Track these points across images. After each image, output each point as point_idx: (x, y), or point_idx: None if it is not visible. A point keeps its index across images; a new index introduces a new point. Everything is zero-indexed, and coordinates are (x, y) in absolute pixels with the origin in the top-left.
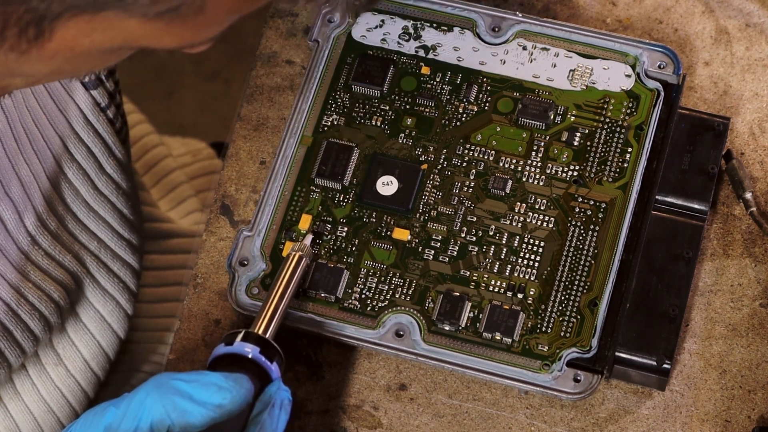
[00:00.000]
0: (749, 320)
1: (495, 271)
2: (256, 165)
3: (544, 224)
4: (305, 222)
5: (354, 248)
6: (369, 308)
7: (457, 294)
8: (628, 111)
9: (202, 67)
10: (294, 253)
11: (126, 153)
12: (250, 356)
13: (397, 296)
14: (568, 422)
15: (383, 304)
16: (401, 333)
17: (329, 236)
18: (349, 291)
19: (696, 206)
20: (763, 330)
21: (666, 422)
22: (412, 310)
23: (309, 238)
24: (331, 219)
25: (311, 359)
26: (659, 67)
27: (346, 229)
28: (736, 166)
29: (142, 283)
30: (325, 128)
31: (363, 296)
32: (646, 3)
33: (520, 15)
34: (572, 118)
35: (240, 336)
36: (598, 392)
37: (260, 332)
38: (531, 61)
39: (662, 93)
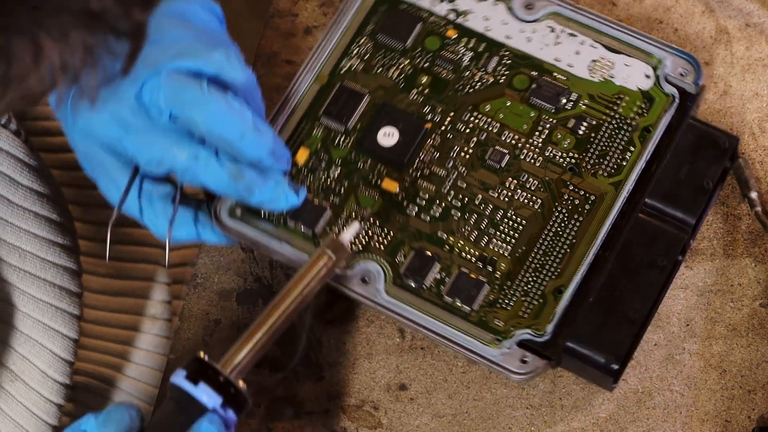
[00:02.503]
0: (749, 320)
1: (471, 239)
2: None
3: (531, 203)
4: (302, 155)
5: (342, 189)
6: None
7: (429, 254)
8: (640, 111)
9: None
10: (323, 252)
11: (38, 159)
12: (208, 407)
13: (372, 244)
14: (568, 422)
15: (356, 249)
16: (366, 280)
17: (322, 174)
18: (327, 230)
19: (681, 216)
20: (763, 330)
21: (666, 422)
22: (382, 259)
23: (353, 229)
24: (327, 157)
25: (311, 359)
26: (680, 74)
27: (339, 170)
28: (742, 165)
29: (107, 273)
30: (342, 71)
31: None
32: (646, 3)
33: None
34: (583, 107)
35: (204, 373)
36: (598, 392)
37: (232, 370)
38: (556, 44)
39: (677, 100)
